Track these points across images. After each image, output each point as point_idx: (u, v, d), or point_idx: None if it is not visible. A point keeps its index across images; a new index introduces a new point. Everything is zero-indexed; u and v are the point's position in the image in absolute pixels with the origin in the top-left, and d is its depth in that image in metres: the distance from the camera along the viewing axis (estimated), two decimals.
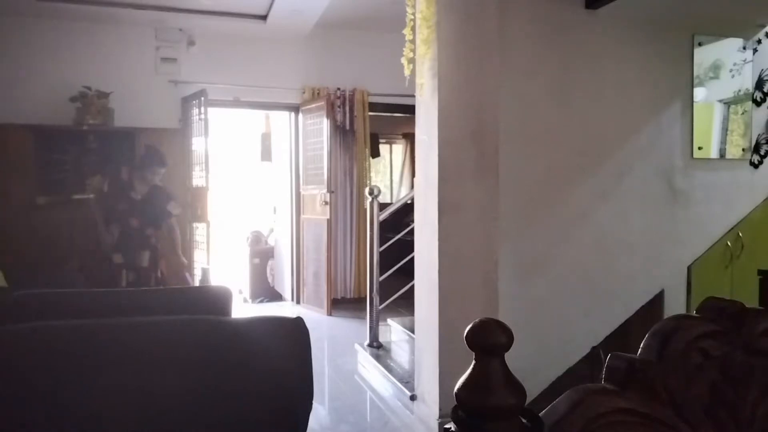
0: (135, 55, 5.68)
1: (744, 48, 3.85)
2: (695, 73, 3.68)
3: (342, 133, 6.26)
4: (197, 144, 5.61)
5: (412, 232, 3.29)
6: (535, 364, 2.96)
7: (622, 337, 3.46)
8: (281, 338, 1.83)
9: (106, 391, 1.57)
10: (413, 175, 6.12)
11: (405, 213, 5.72)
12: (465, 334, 0.63)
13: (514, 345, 0.62)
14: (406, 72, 2.86)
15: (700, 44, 3.68)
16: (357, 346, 4.25)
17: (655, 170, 3.59)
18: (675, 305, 3.62)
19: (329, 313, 5.78)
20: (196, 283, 5.62)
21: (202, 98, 5.43)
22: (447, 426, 0.63)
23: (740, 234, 3.89)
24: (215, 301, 2.01)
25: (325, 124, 5.83)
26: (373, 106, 6.32)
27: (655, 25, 3.52)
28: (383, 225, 4.37)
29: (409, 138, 9.36)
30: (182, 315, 1.81)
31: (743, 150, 3.91)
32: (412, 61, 2.86)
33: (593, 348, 3.37)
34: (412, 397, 3.11)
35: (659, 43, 3.57)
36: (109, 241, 4.56)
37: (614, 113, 3.45)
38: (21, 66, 5.34)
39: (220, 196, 7.55)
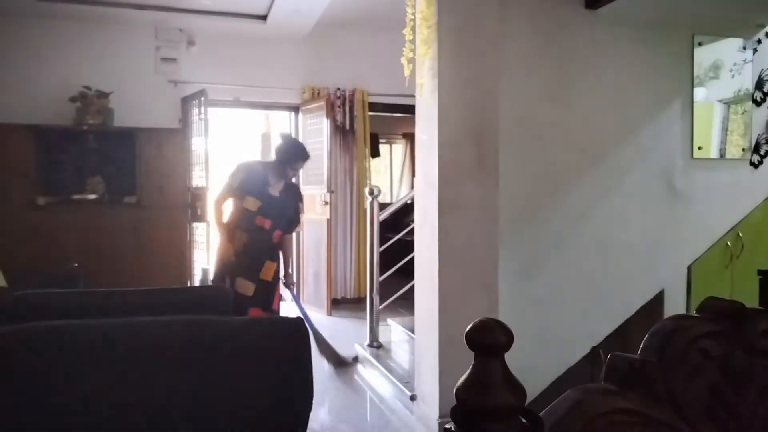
0: (135, 55, 5.68)
1: (744, 48, 3.85)
2: (695, 73, 3.68)
3: (342, 133, 6.26)
4: (197, 144, 5.61)
5: (412, 232, 3.29)
6: (535, 364, 2.96)
7: (622, 337, 3.46)
8: (281, 338, 1.83)
9: (106, 391, 1.57)
10: (413, 175, 6.12)
11: (405, 213, 5.72)
12: (465, 334, 0.63)
13: (514, 345, 0.62)
14: (406, 72, 2.86)
15: (700, 44, 3.68)
16: (357, 346, 4.25)
17: (655, 170, 3.59)
18: (675, 305, 3.62)
19: (329, 313, 5.78)
20: (196, 283, 5.63)
21: (202, 98, 5.43)
22: (447, 426, 0.63)
23: (740, 234, 3.89)
24: (215, 301, 2.01)
25: (325, 124, 5.83)
26: (373, 106, 6.32)
27: (655, 25, 3.52)
28: (383, 225, 4.37)
29: (409, 138, 9.36)
30: (182, 315, 1.81)
31: (743, 150, 3.91)
32: (412, 61, 2.86)
33: (593, 348, 3.37)
34: (412, 397, 3.11)
35: (659, 43, 3.57)
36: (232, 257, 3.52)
37: (614, 113, 3.45)
38: (21, 66, 5.34)
39: None
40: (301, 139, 6.25)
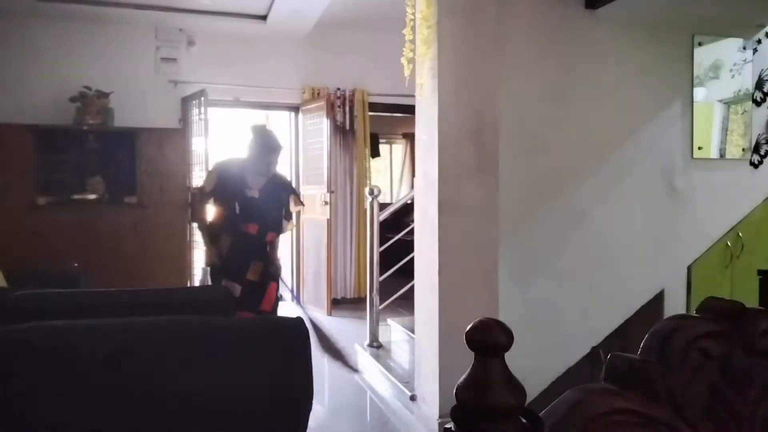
0: (135, 55, 5.68)
1: (744, 48, 3.85)
2: (695, 73, 3.68)
3: (342, 133, 6.26)
4: (197, 144, 5.61)
5: (412, 232, 3.29)
6: (535, 364, 2.96)
7: (622, 337, 3.46)
8: (281, 338, 1.83)
9: (105, 391, 1.57)
10: (413, 175, 6.12)
11: (405, 213, 5.73)
12: (465, 334, 0.63)
13: (514, 345, 0.62)
14: (406, 72, 2.86)
15: (700, 44, 3.68)
16: (357, 346, 4.25)
17: (655, 170, 3.59)
18: (675, 305, 3.62)
19: (329, 313, 5.77)
20: (196, 283, 5.63)
21: (202, 98, 5.43)
22: (447, 426, 0.63)
23: (740, 234, 3.89)
24: (215, 301, 2.01)
25: (325, 124, 5.83)
26: (373, 106, 6.32)
27: (655, 25, 3.52)
28: (383, 225, 4.37)
29: (409, 138, 9.36)
30: (182, 315, 1.81)
31: (743, 150, 3.91)
32: (412, 61, 2.86)
33: (593, 348, 3.37)
34: (412, 397, 3.11)
35: (659, 43, 3.57)
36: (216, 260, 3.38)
37: (614, 113, 3.45)
38: (21, 66, 5.34)
39: None
40: (300, 139, 6.27)
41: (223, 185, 3.35)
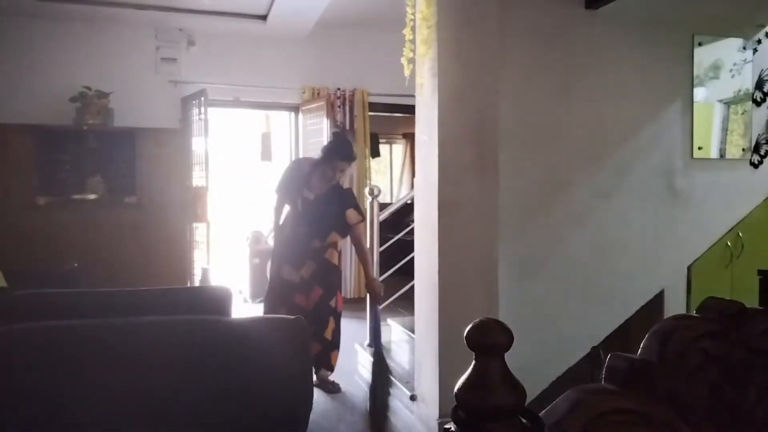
0: (135, 55, 5.68)
1: (744, 48, 3.85)
2: (695, 73, 3.68)
3: (342, 132, 6.27)
4: (197, 144, 5.61)
5: (412, 232, 3.29)
6: (535, 364, 2.96)
7: (622, 337, 3.46)
8: (281, 338, 1.83)
9: (105, 391, 1.57)
10: (413, 175, 6.12)
11: (405, 213, 5.72)
12: (465, 334, 0.63)
13: (514, 345, 0.62)
14: (406, 72, 2.86)
15: (700, 44, 3.68)
16: (357, 346, 4.25)
17: (655, 170, 3.59)
18: (675, 305, 3.61)
19: None
20: (196, 283, 5.63)
21: (202, 98, 5.44)
22: (447, 426, 0.64)
23: (740, 234, 3.89)
24: (215, 301, 2.01)
25: (325, 124, 5.84)
26: (373, 106, 6.33)
27: (655, 25, 3.52)
28: (383, 225, 4.37)
29: (409, 138, 9.36)
30: (182, 315, 1.81)
31: (743, 150, 3.90)
32: (412, 61, 2.86)
33: (593, 348, 3.36)
34: (412, 397, 3.11)
35: (659, 43, 3.57)
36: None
37: (614, 113, 3.45)
38: (21, 66, 5.35)
39: (220, 196, 7.55)
40: (301, 139, 6.27)
41: (287, 182, 3.63)
